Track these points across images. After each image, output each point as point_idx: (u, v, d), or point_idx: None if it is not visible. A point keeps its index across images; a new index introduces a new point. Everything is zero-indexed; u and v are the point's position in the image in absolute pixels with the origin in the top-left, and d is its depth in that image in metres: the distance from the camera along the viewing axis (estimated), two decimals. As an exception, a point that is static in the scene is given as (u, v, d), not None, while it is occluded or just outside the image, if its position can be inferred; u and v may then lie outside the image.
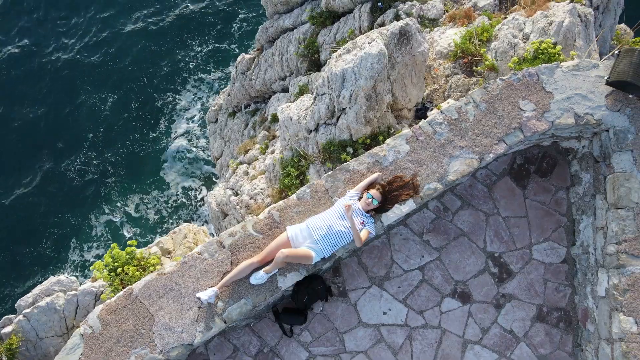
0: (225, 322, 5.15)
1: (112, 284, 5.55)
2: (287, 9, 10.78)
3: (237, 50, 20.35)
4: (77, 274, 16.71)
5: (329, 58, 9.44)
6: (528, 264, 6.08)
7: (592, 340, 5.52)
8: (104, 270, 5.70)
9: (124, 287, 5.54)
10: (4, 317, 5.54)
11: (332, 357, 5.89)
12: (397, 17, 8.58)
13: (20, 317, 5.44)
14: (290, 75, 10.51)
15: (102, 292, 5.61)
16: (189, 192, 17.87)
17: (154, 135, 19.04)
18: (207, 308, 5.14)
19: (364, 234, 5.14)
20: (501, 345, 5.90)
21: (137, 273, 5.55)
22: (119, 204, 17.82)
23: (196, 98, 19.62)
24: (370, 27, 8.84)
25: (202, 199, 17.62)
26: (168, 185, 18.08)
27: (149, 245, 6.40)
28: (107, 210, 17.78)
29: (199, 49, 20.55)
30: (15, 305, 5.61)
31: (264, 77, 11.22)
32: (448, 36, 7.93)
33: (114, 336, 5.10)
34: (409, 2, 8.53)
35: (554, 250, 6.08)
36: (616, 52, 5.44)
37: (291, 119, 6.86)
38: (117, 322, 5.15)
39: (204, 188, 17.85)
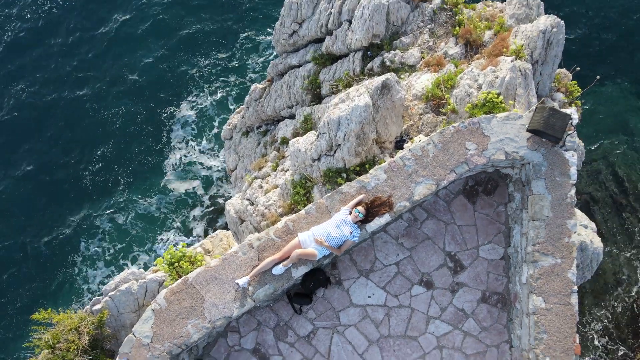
0: (254, 301, 7.24)
1: (171, 274, 7.65)
2: (294, 49, 12.89)
3: (238, 64, 22.45)
4: (86, 266, 19.01)
5: (328, 94, 11.60)
6: (476, 260, 8.18)
7: (519, 315, 7.62)
8: (164, 264, 7.81)
9: (179, 277, 7.64)
10: (94, 298, 7.64)
11: (331, 329, 8.00)
12: (382, 63, 10.70)
13: (107, 298, 7.55)
14: (296, 105, 12.60)
15: (164, 280, 7.70)
16: (189, 194, 20.18)
17: (157, 143, 21.17)
18: (242, 291, 7.23)
19: (344, 246, 7.24)
20: (455, 320, 8.01)
21: (189, 267, 7.65)
22: (124, 205, 20.10)
23: (197, 107, 21.77)
24: (362, 70, 10.95)
25: (197, 196, 19.90)
26: (170, 189, 20.39)
27: (194, 246, 8.52)
28: (114, 212, 20.10)
29: (203, 62, 22.61)
30: (102, 289, 7.71)
31: (274, 105, 13.34)
32: (422, 81, 10.03)
33: (176, 311, 7.19)
34: (392, 52, 10.64)
35: (495, 250, 8.18)
36: (534, 107, 7.54)
37: (300, 151, 8.98)
38: (177, 301, 7.24)
39: (201, 190, 20.14)
